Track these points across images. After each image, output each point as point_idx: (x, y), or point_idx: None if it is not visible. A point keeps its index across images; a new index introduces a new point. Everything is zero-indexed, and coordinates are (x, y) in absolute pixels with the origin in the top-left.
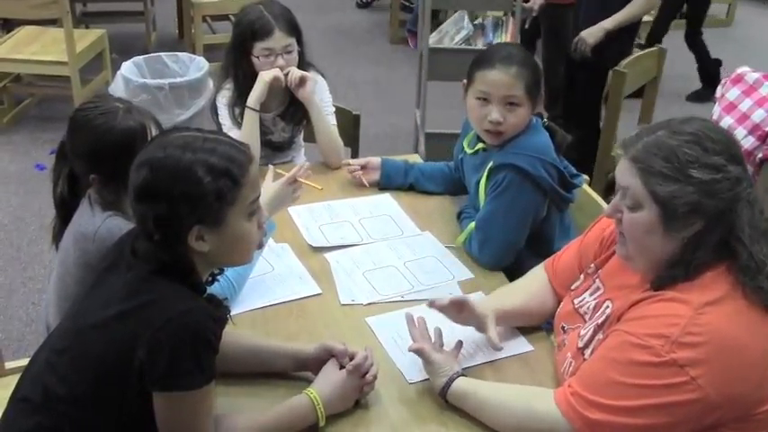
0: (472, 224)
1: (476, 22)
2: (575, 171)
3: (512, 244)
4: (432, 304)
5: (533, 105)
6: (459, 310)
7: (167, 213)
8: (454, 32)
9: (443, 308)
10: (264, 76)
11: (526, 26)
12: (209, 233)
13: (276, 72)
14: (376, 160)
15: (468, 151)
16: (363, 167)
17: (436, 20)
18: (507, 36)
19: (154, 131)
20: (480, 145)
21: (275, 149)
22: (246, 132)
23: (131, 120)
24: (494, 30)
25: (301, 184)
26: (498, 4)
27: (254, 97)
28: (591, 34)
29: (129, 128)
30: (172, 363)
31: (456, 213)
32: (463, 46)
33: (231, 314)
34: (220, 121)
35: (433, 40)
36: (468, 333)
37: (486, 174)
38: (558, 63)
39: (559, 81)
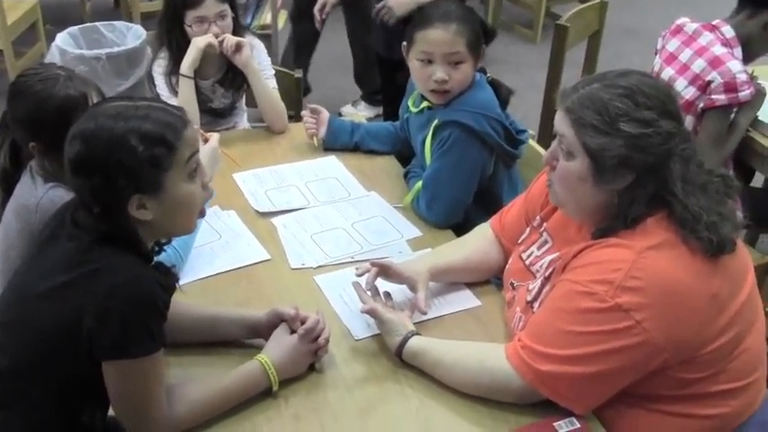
0: (419, 183)
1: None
2: (520, 127)
3: (459, 201)
4: (359, 272)
5: (476, 60)
6: (385, 275)
7: (104, 185)
8: None
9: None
10: (198, 43)
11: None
12: (149, 200)
13: (210, 38)
14: (326, 114)
15: (413, 110)
16: (316, 114)
17: None
18: (268, 17)
19: (96, 101)
20: (425, 103)
21: (217, 116)
22: (183, 100)
23: (72, 88)
24: (255, 9)
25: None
26: None
27: (188, 64)
28: (400, 4)
29: (69, 96)
30: (121, 331)
31: (403, 173)
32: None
33: (180, 283)
34: (158, 91)
35: None
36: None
37: (431, 132)
38: (365, 35)
39: (369, 56)
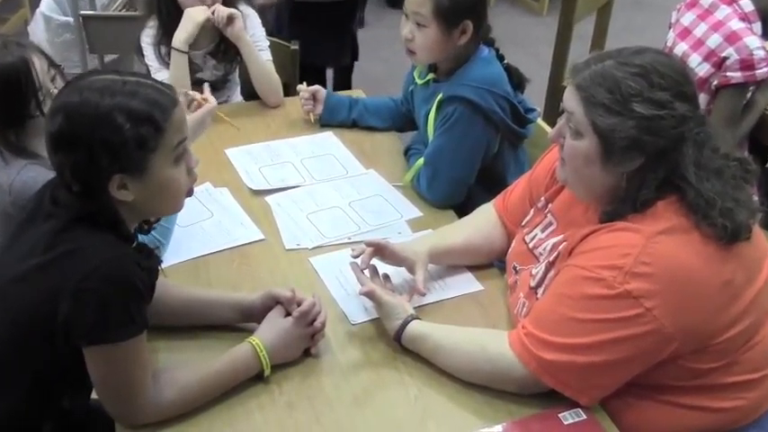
0: (420, 160)
1: None
2: (530, 105)
3: (461, 180)
4: (355, 253)
5: (447, 31)
6: (381, 255)
7: (85, 162)
8: None
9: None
10: (196, 17)
11: None
12: (132, 181)
13: (207, 12)
14: (323, 92)
15: (419, 82)
16: (314, 97)
17: None
18: None
19: (38, 63)
20: (431, 75)
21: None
22: (175, 76)
23: (9, 55)
24: None
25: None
26: None
27: (183, 38)
28: None
29: (8, 64)
30: (99, 314)
31: (403, 150)
32: (124, 12)
33: (165, 265)
34: (147, 62)
35: (103, 2)
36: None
37: (435, 106)
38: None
39: None
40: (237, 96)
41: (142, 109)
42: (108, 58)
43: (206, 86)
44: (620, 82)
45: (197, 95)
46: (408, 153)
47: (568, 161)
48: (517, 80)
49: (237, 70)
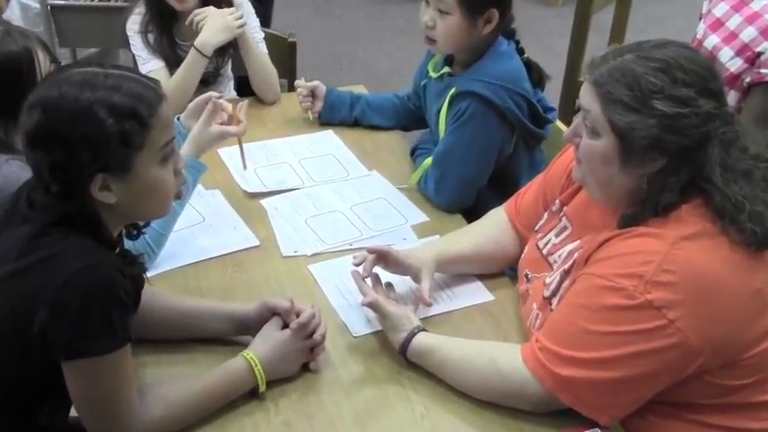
0: (428, 160)
1: None
2: (549, 104)
3: (472, 182)
4: (356, 261)
5: (471, 20)
6: (384, 263)
7: (64, 161)
8: None
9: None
10: (233, 28)
11: None
12: (115, 182)
13: (243, 21)
14: (323, 88)
15: (433, 75)
16: (313, 94)
17: None
18: None
19: (42, 56)
20: (446, 69)
21: (200, 83)
22: (187, 76)
23: (12, 44)
24: None
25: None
26: None
27: (212, 44)
28: None
29: (10, 53)
30: (78, 325)
31: (409, 150)
32: (97, 3)
33: (153, 272)
34: (134, 51)
35: None
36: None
37: (447, 101)
38: None
39: None
40: (231, 92)
41: (125, 103)
42: (82, 52)
43: (243, 105)
44: (641, 78)
45: (229, 108)
46: (415, 153)
47: (585, 162)
48: (537, 76)
49: (230, 64)
